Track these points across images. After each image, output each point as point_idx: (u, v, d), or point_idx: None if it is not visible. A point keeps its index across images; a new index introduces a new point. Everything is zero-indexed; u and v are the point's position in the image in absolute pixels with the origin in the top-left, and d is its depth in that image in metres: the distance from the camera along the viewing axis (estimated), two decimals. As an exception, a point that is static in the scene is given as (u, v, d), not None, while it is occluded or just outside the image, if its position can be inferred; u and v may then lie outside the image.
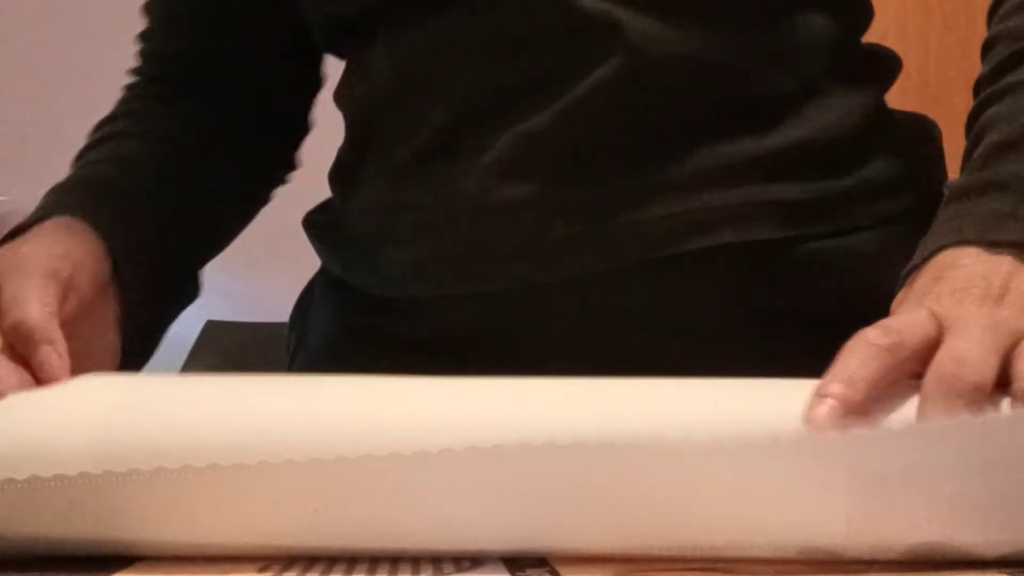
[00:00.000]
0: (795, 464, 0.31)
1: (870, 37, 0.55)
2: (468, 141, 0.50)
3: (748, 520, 0.32)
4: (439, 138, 0.51)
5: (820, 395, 0.33)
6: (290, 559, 0.33)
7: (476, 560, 0.32)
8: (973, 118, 0.47)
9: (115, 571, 0.33)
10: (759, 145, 0.49)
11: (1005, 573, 0.30)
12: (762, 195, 0.49)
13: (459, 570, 0.31)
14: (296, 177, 0.65)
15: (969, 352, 0.34)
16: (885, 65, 0.56)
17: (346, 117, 0.57)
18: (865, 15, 0.55)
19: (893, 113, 0.55)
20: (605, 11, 0.47)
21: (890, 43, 0.57)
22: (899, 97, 0.56)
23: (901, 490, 0.31)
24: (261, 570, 0.32)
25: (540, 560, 0.32)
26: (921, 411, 0.33)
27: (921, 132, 0.56)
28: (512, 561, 0.32)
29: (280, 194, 0.64)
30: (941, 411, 0.33)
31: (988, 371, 0.33)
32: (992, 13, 0.50)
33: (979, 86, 0.48)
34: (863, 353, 0.34)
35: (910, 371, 0.35)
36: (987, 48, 0.49)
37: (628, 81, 0.48)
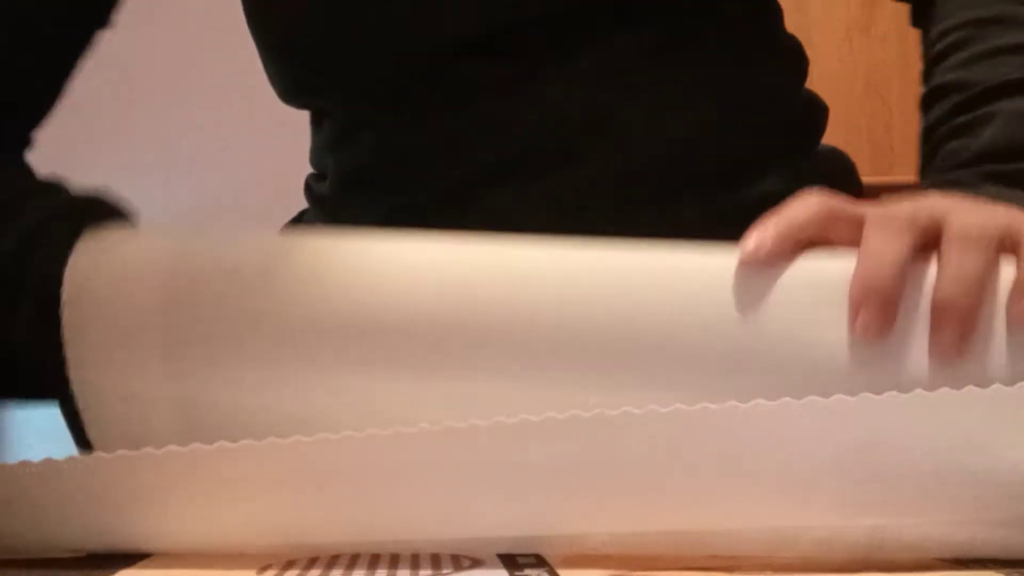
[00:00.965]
0: (779, 432, 0.31)
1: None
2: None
3: (732, 495, 0.32)
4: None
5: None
6: (290, 559, 0.33)
7: (476, 560, 0.32)
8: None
9: (116, 571, 0.33)
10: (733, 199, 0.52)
11: (1004, 573, 0.30)
12: None
13: (458, 569, 0.31)
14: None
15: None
16: (823, 114, 0.60)
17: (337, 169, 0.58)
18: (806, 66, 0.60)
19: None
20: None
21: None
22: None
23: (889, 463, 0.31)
24: (261, 570, 0.32)
25: (539, 560, 0.32)
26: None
27: (841, 166, 0.60)
28: (511, 561, 0.32)
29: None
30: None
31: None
32: (936, 63, 0.53)
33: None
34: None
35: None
36: (937, 96, 0.52)
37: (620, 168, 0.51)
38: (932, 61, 0.53)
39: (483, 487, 0.33)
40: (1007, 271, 0.35)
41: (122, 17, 0.56)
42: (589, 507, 0.33)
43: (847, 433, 0.31)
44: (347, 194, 0.57)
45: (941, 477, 0.31)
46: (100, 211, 0.44)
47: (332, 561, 0.33)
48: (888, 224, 0.35)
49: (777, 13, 0.59)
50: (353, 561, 0.33)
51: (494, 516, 0.33)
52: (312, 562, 0.33)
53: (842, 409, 0.31)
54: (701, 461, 0.32)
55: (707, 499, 0.32)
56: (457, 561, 0.32)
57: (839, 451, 0.31)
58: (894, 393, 0.31)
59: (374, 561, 0.33)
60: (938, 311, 0.34)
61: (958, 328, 0.34)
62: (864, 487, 0.31)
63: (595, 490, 0.33)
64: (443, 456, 0.33)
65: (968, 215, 0.36)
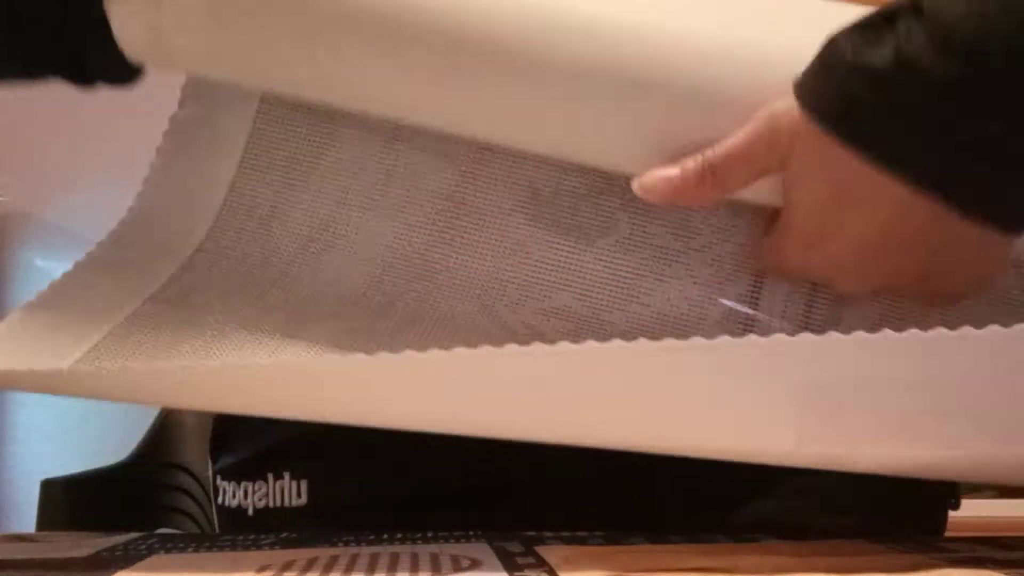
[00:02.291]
0: (744, 368, 0.32)
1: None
2: None
3: (698, 421, 0.33)
4: None
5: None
6: (288, 560, 0.33)
7: (475, 561, 0.33)
8: None
9: (115, 571, 0.33)
10: None
11: (1004, 573, 0.30)
12: None
13: (458, 570, 0.31)
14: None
15: None
16: None
17: None
18: None
19: None
20: None
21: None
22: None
23: (849, 401, 0.31)
24: (260, 570, 0.32)
25: (539, 560, 0.32)
26: None
27: None
28: (511, 561, 0.32)
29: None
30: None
31: None
32: None
33: None
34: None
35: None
36: None
37: None
38: None
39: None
40: None
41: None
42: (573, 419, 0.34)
43: (808, 370, 0.32)
44: None
45: (901, 415, 0.31)
46: None
47: (331, 562, 0.33)
48: None
49: None
50: (352, 562, 0.33)
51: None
52: (311, 563, 0.33)
53: (806, 347, 0.31)
54: (669, 390, 0.33)
55: (672, 423, 0.34)
56: (456, 561, 0.32)
57: (803, 386, 0.32)
58: (860, 333, 0.31)
59: (373, 562, 0.33)
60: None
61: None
62: (823, 422, 0.32)
63: (573, 407, 0.34)
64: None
65: None
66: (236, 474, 0.51)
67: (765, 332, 0.40)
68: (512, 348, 0.32)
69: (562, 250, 0.44)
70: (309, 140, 0.46)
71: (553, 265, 0.44)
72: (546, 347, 0.31)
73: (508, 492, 0.46)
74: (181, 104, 0.48)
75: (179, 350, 0.41)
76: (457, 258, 0.44)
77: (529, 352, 0.32)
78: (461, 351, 0.32)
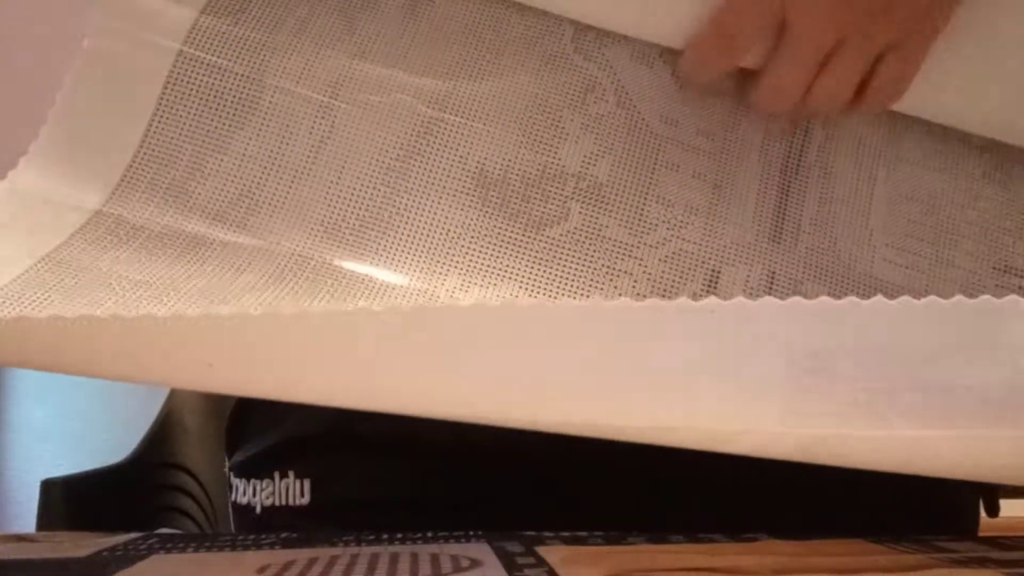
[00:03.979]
0: (727, 333, 0.30)
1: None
2: None
3: (684, 395, 0.31)
4: None
5: None
6: (288, 560, 0.33)
7: (475, 561, 0.33)
8: None
9: (115, 571, 0.33)
10: None
11: (1004, 573, 0.30)
12: None
13: (458, 570, 0.31)
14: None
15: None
16: None
17: None
18: None
19: None
20: None
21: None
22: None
23: (841, 372, 0.30)
24: (260, 570, 0.32)
25: (539, 560, 0.32)
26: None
27: None
28: (510, 562, 0.32)
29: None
30: None
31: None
32: None
33: None
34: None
35: None
36: None
37: None
38: None
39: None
40: None
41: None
42: (552, 398, 0.32)
43: (801, 338, 0.30)
44: None
45: (893, 392, 0.30)
46: None
47: (331, 562, 0.33)
48: None
49: None
50: (352, 562, 0.33)
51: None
52: (311, 563, 0.33)
53: (797, 312, 0.29)
54: (649, 358, 0.30)
55: (651, 395, 0.31)
56: (456, 561, 0.32)
57: (791, 357, 0.30)
58: (853, 299, 0.29)
59: (373, 562, 0.33)
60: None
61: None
62: (812, 397, 0.30)
63: (551, 382, 0.31)
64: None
65: None
66: (246, 471, 0.51)
67: None
68: (454, 307, 0.29)
69: (509, 236, 0.42)
70: (233, 99, 0.43)
71: (499, 252, 0.42)
72: (492, 306, 0.28)
73: (509, 492, 0.46)
74: (91, 35, 0.43)
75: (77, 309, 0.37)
76: (395, 238, 0.42)
77: (468, 311, 0.29)
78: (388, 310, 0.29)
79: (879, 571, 0.31)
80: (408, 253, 0.42)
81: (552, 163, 0.43)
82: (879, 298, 0.29)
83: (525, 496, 0.46)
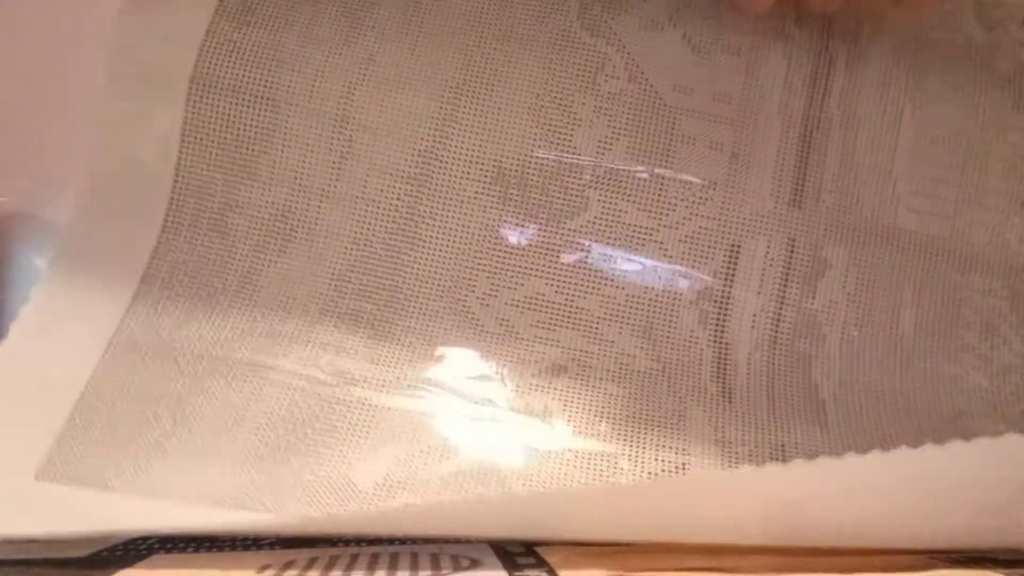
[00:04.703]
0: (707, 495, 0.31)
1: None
2: None
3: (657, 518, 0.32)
4: None
5: None
6: (289, 560, 0.33)
7: (475, 561, 0.32)
8: None
9: (115, 571, 0.33)
10: None
11: (1004, 573, 0.30)
12: None
13: (457, 570, 0.31)
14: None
15: None
16: None
17: None
18: None
19: None
20: None
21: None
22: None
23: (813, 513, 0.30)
24: (261, 569, 0.32)
25: (539, 560, 0.32)
26: None
27: None
28: (510, 562, 0.32)
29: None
30: None
31: None
32: None
33: None
34: None
35: None
36: None
37: None
38: None
39: None
40: None
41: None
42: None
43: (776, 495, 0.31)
44: None
45: (862, 538, 0.31)
46: None
47: (331, 562, 0.33)
48: None
49: None
50: (352, 562, 0.33)
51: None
52: (311, 563, 0.33)
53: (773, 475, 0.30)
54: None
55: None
56: (456, 561, 0.32)
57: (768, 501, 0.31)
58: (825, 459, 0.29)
59: (373, 562, 0.33)
60: None
61: None
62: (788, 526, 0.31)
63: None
64: None
65: None
66: None
67: (741, 309, 0.40)
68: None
69: (531, 233, 0.42)
70: (252, 124, 0.44)
71: (524, 250, 0.42)
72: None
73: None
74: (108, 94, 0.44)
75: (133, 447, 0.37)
76: (424, 248, 0.43)
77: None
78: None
79: (879, 571, 0.31)
80: (437, 261, 0.43)
81: (568, 152, 0.43)
82: (849, 455, 0.28)
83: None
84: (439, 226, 0.43)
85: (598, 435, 0.40)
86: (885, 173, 0.44)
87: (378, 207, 0.43)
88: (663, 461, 0.39)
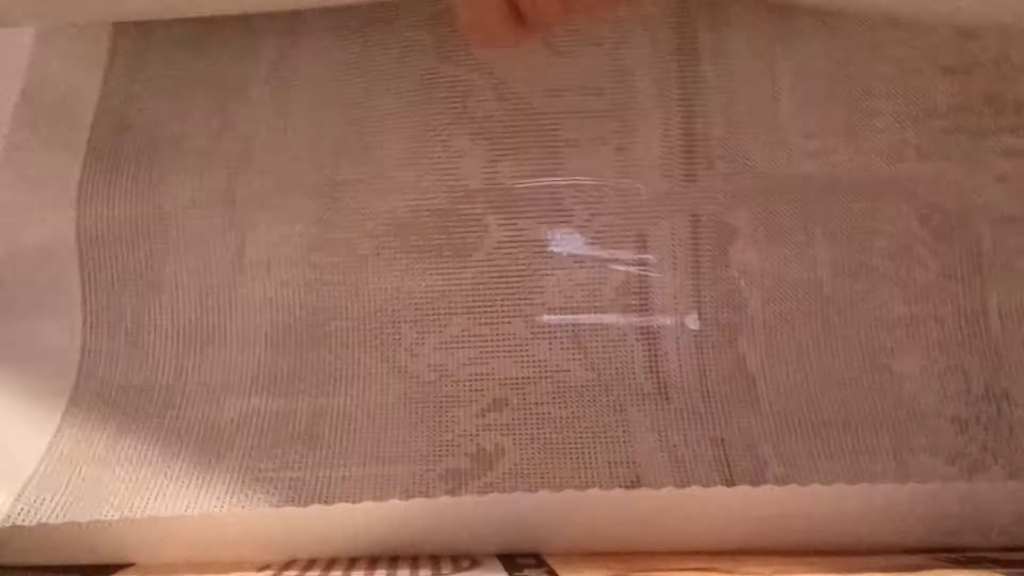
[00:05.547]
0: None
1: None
2: None
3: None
4: None
5: None
6: (288, 561, 0.33)
7: (475, 560, 0.32)
8: None
9: (115, 571, 0.33)
10: None
11: (1004, 573, 0.30)
12: None
13: (457, 570, 0.31)
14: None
15: None
16: None
17: None
18: None
19: None
20: None
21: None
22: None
23: None
24: (261, 569, 0.32)
25: (539, 560, 0.32)
26: None
27: None
28: (510, 562, 0.32)
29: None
30: None
31: None
32: None
33: None
34: None
35: None
36: None
37: None
38: None
39: None
40: None
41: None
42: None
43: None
44: None
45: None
46: None
47: (330, 563, 0.33)
48: None
49: None
50: (352, 562, 0.33)
51: None
52: (311, 563, 0.33)
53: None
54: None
55: None
56: (456, 562, 0.32)
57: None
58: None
59: (372, 563, 0.33)
60: None
61: None
62: None
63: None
64: None
65: None
66: None
67: (661, 289, 0.40)
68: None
69: (442, 273, 0.42)
70: (146, 239, 0.44)
71: (439, 291, 0.42)
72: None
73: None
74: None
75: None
76: (345, 308, 0.42)
77: None
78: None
79: (879, 571, 0.31)
80: (359, 321, 0.42)
81: (456, 185, 0.43)
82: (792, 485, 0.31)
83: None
84: (349, 292, 0.42)
85: (551, 467, 0.40)
86: (772, 122, 0.43)
87: (289, 288, 0.43)
88: (617, 478, 0.39)
